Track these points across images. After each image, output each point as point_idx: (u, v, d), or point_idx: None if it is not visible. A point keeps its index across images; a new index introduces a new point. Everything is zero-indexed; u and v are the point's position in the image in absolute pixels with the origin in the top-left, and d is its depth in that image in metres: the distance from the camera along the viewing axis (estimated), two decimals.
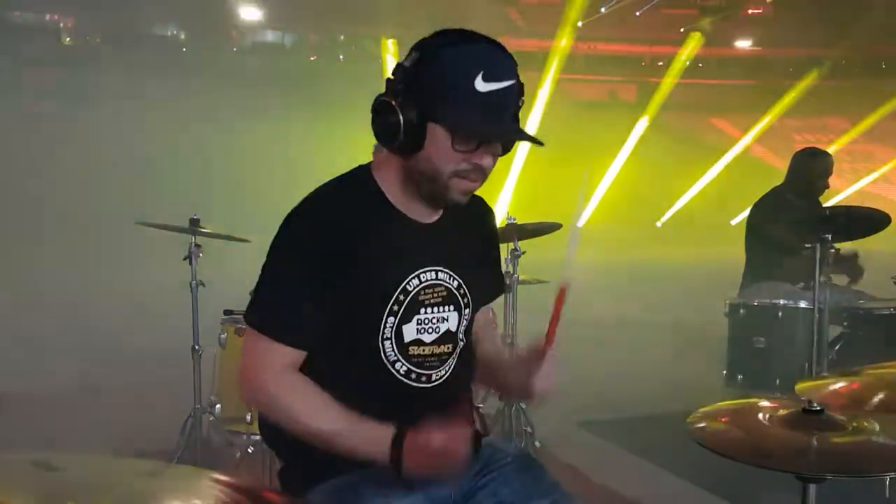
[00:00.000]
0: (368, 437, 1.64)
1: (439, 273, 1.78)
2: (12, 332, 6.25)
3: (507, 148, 1.73)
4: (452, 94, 1.62)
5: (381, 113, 1.67)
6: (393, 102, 1.64)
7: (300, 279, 1.69)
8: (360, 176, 1.79)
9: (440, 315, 1.78)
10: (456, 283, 1.81)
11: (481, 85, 1.61)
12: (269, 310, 1.71)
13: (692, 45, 15.33)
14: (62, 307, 7.53)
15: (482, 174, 1.69)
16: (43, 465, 1.07)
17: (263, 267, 1.74)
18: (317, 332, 1.70)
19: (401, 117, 1.64)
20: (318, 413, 1.67)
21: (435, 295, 1.77)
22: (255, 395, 1.73)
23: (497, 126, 1.67)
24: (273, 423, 1.72)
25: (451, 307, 1.80)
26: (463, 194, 1.71)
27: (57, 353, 5.92)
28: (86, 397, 4.80)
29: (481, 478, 1.79)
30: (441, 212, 1.81)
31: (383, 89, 1.69)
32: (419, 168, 1.69)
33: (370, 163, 1.82)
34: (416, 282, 1.74)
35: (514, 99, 1.66)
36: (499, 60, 1.64)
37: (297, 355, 1.71)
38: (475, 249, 1.90)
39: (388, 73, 1.70)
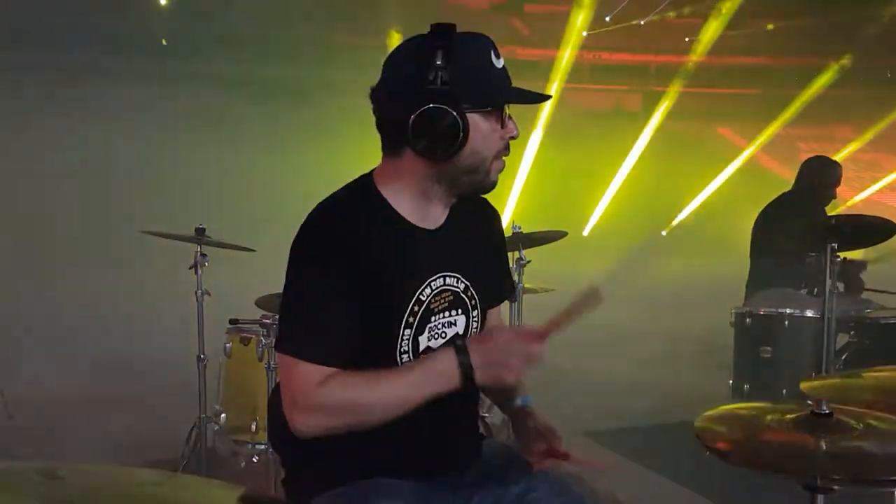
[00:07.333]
0: (432, 368, 1.63)
1: (447, 278, 1.76)
2: (18, 341, 6.25)
3: None
4: (486, 77, 1.67)
5: (437, 121, 1.63)
6: (446, 107, 1.62)
7: (327, 296, 1.64)
8: (366, 186, 1.76)
9: (448, 319, 1.77)
10: (463, 286, 1.79)
11: (496, 62, 1.69)
12: (303, 333, 1.65)
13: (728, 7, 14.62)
14: (67, 315, 7.53)
15: (509, 148, 1.74)
16: (48, 474, 1.07)
17: (285, 290, 1.69)
18: (349, 345, 1.65)
19: (458, 119, 1.63)
20: (374, 386, 1.62)
21: (442, 301, 1.76)
22: (311, 418, 1.62)
23: (527, 90, 1.73)
24: (329, 432, 1.63)
25: (459, 311, 1.79)
26: (499, 173, 1.75)
27: (62, 361, 5.91)
28: (91, 406, 4.80)
29: (514, 486, 1.75)
30: (446, 215, 1.80)
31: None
32: (463, 165, 1.68)
33: (372, 172, 1.78)
34: (427, 291, 1.73)
35: None
36: (491, 40, 1.70)
37: (334, 372, 1.65)
38: (480, 250, 1.87)
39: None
